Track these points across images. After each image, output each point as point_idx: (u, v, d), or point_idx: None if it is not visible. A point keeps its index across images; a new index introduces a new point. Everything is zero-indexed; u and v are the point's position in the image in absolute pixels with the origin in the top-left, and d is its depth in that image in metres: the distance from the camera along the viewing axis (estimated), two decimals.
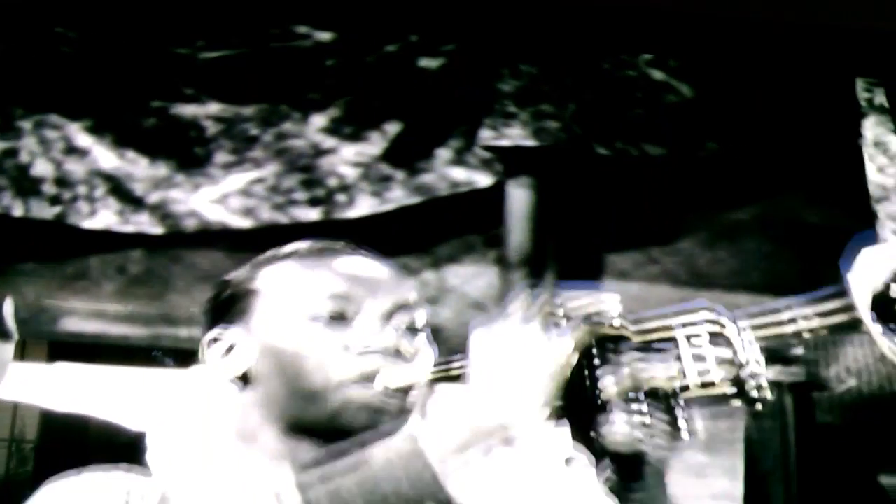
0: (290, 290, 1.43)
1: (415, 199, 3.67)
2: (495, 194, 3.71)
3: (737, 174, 3.74)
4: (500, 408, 1.23)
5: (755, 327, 1.25)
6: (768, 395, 1.23)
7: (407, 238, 3.71)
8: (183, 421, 1.49)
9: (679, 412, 1.27)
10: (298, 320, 1.40)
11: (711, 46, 3.75)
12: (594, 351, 1.28)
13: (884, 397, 3.56)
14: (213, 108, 3.71)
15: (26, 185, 3.57)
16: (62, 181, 3.59)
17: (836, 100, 3.75)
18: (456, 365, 1.35)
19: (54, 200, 3.58)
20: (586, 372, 1.28)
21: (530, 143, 3.70)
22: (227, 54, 3.73)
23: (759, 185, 3.75)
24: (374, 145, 3.70)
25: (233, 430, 1.43)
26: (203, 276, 3.60)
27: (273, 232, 3.58)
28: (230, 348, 1.44)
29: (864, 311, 1.15)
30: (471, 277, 3.71)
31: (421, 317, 1.45)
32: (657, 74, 3.80)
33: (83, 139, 3.63)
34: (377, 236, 3.72)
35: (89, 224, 3.58)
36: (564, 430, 1.31)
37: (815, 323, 1.23)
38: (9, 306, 2.08)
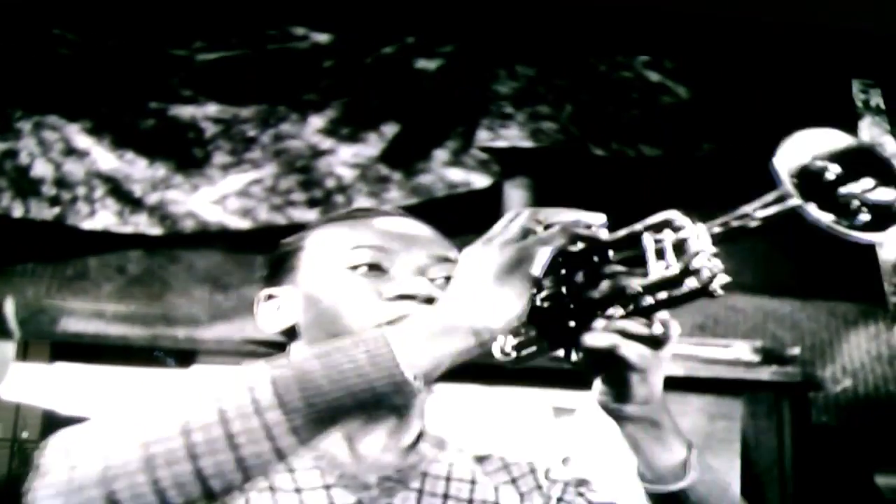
0: (331, 244, 1.51)
1: (412, 200, 3.68)
2: (492, 195, 3.71)
3: (733, 175, 3.75)
4: (468, 308, 1.23)
5: (710, 224, 1.33)
6: (720, 279, 1.28)
7: None
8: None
9: (651, 314, 1.31)
10: (338, 271, 1.48)
11: (707, 47, 3.76)
12: (571, 259, 1.32)
13: (879, 397, 3.57)
14: (212, 109, 3.71)
15: (26, 186, 3.58)
16: (61, 182, 3.60)
17: (832, 101, 3.76)
18: None
19: (54, 201, 3.58)
20: (564, 280, 1.32)
21: (527, 144, 3.70)
22: (225, 56, 3.73)
23: (754, 186, 3.75)
24: (371, 146, 3.71)
25: None
26: (201, 276, 3.61)
27: (271, 233, 3.59)
28: (281, 304, 1.52)
29: (790, 188, 1.22)
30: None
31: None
32: (653, 76, 3.81)
33: (82, 140, 3.64)
34: None
35: (88, 225, 3.58)
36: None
37: (760, 213, 1.31)
38: (10, 306, 2.09)
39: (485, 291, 1.23)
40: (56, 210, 3.58)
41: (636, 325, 1.33)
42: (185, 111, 3.70)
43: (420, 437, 1.53)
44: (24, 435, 3.47)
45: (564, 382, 3.11)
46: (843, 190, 1.23)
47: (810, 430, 3.49)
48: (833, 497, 3.41)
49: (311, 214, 3.63)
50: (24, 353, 3.36)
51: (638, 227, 1.35)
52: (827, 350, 3.57)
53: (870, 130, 3.69)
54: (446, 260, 1.51)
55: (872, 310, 3.59)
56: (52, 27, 3.68)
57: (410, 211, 3.74)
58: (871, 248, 3.51)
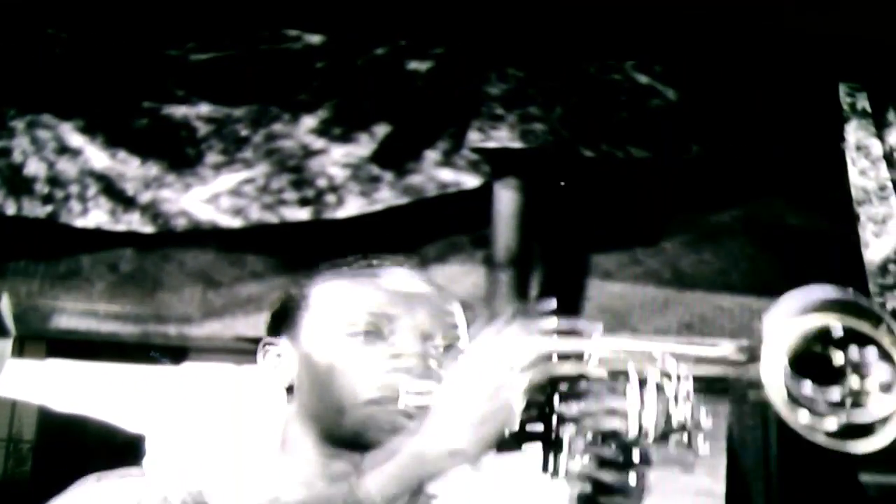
0: (332, 304, 1.49)
1: (403, 200, 3.69)
2: (482, 195, 3.73)
3: (720, 177, 3.77)
4: (449, 436, 1.25)
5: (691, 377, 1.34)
6: (701, 446, 1.32)
7: (395, 238, 3.73)
8: (214, 424, 1.54)
9: (633, 453, 1.33)
10: (336, 335, 1.46)
11: (696, 50, 3.78)
12: (556, 388, 1.32)
13: None
14: (204, 109, 3.72)
15: (19, 185, 3.58)
16: (54, 180, 3.60)
17: (819, 104, 3.78)
18: None
19: (46, 199, 3.59)
20: (547, 408, 1.32)
21: (517, 145, 3.71)
22: (218, 56, 3.74)
23: (742, 188, 3.78)
24: (363, 146, 3.72)
25: (277, 440, 1.48)
26: (193, 274, 3.62)
27: (263, 232, 3.60)
28: (279, 356, 1.51)
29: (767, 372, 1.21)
30: (458, 277, 3.73)
31: (458, 335, 1.49)
32: (642, 78, 3.82)
33: (75, 139, 3.64)
34: (365, 236, 3.76)
35: (81, 223, 3.59)
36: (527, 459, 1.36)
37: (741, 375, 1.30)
38: (5, 303, 2.10)
39: (463, 417, 1.25)
40: (49, 208, 3.58)
41: (611, 476, 1.34)
42: (178, 111, 3.71)
43: None
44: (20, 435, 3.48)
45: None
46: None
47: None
48: (818, 495, 3.43)
49: (302, 213, 3.64)
50: (20, 350, 3.37)
51: (628, 362, 1.34)
52: None
53: (856, 133, 3.72)
54: (448, 325, 1.50)
55: None
56: (45, 27, 3.69)
57: (400, 211, 3.77)
58: (856, 249, 3.54)
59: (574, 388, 1.33)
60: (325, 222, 3.66)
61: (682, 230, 3.79)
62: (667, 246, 3.79)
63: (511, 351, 1.28)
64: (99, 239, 3.60)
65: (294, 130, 3.70)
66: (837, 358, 1.19)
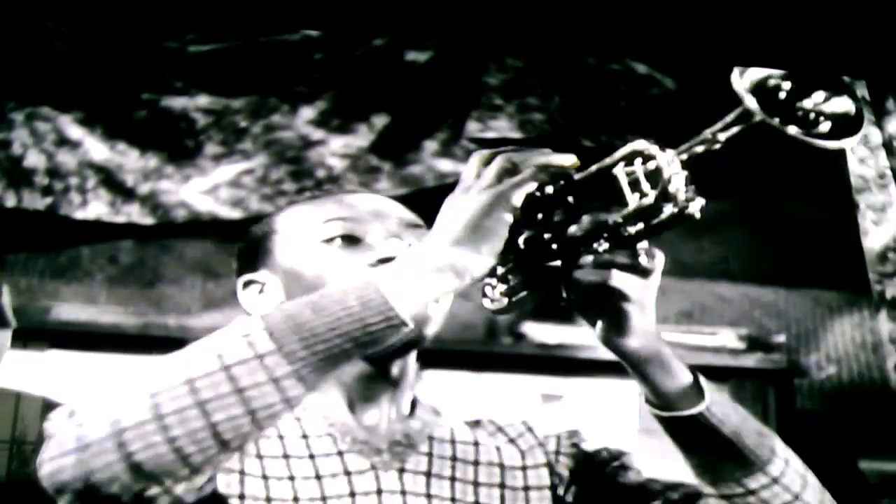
0: (302, 222, 1.52)
1: (402, 191, 3.69)
2: None
3: (720, 166, 3.77)
4: (449, 250, 1.25)
5: (679, 149, 1.35)
6: (697, 202, 1.33)
7: None
8: None
9: (634, 244, 1.34)
10: (315, 246, 1.48)
11: (695, 39, 3.79)
12: (547, 201, 1.33)
13: (863, 384, 3.60)
14: (203, 100, 3.72)
15: (18, 176, 3.59)
16: (54, 172, 3.61)
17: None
18: None
19: (46, 191, 3.60)
20: (544, 222, 1.34)
21: (516, 135, 3.72)
22: (217, 47, 3.75)
23: (741, 177, 3.78)
24: (361, 137, 3.72)
25: None
26: (192, 265, 3.63)
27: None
28: (261, 289, 1.52)
29: (754, 105, 1.26)
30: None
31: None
32: (641, 68, 3.83)
33: (74, 131, 3.65)
34: None
35: (81, 214, 3.60)
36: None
37: (723, 135, 1.36)
38: (6, 295, 2.10)
39: (465, 234, 1.26)
40: (48, 200, 3.59)
41: (623, 257, 1.34)
42: (177, 102, 3.71)
43: (415, 404, 1.54)
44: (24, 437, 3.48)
45: (552, 370, 3.13)
46: (799, 103, 1.27)
47: (795, 416, 3.51)
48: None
49: None
50: (23, 343, 3.37)
51: (608, 160, 1.37)
52: (812, 338, 3.60)
53: None
54: (416, 226, 1.52)
55: (857, 298, 3.62)
56: (44, 19, 3.69)
57: (399, 201, 3.77)
58: (855, 238, 3.54)
59: (564, 197, 1.35)
60: None
61: None
62: (666, 235, 3.78)
63: (499, 168, 1.30)
64: (98, 230, 3.61)
65: (293, 121, 3.71)
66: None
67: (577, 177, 1.35)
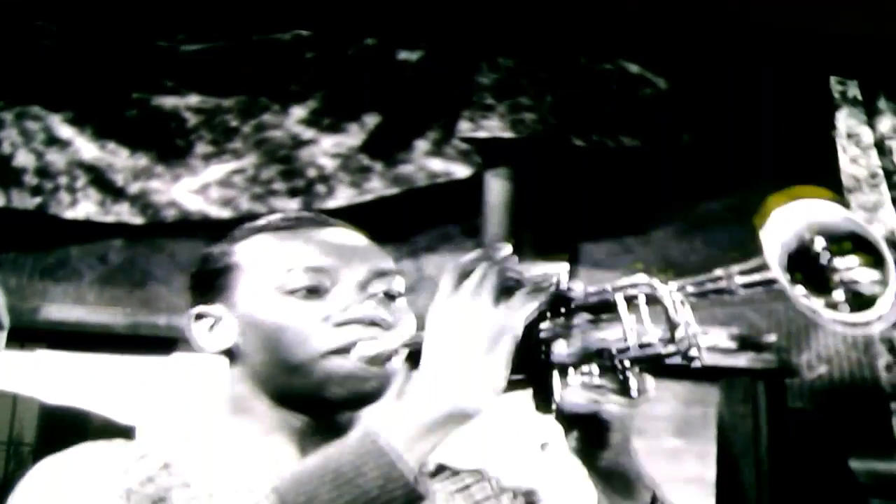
0: (266, 264, 1.44)
1: (393, 190, 3.69)
2: (473, 185, 3.73)
3: (711, 165, 3.77)
4: (454, 391, 1.22)
5: (686, 290, 1.27)
6: (702, 352, 1.25)
7: (385, 228, 3.70)
8: (179, 398, 1.51)
9: (628, 372, 1.30)
10: (276, 295, 1.42)
11: (687, 39, 3.79)
12: (543, 317, 1.30)
13: (854, 383, 3.60)
14: (194, 99, 3.72)
15: (8, 176, 3.58)
16: (43, 172, 3.60)
17: (810, 92, 3.78)
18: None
19: (36, 191, 3.59)
20: (537, 338, 1.30)
21: (508, 134, 3.72)
22: (208, 47, 3.74)
23: (732, 177, 3.78)
24: (352, 137, 3.72)
25: (226, 403, 1.45)
26: (182, 265, 3.62)
27: (252, 222, 3.60)
28: (214, 324, 1.46)
29: (776, 269, 1.17)
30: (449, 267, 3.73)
31: (399, 283, 1.45)
32: (632, 67, 3.83)
33: (64, 130, 3.64)
34: (356, 226, 3.76)
35: (70, 214, 3.59)
36: (538, 414, 1.33)
37: (738, 281, 1.24)
38: (0, 296, 2.09)
39: (469, 376, 1.22)
40: (38, 199, 3.58)
41: (613, 383, 1.31)
42: (168, 101, 3.71)
43: None
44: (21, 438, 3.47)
45: None
46: (826, 264, 1.19)
47: (786, 415, 3.51)
48: (808, 481, 3.44)
49: (292, 204, 3.64)
50: (20, 343, 3.35)
51: (610, 288, 1.30)
52: (803, 337, 3.60)
53: (846, 121, 3.72)
54: (385, 273, 1.45)
55: None
56: (35, 18, 3.69)
57: (391, 201, 3.77)
58: None
59: (561, 315, 1.31)
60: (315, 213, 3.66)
61: (672, 219, 3.80)
62: (657, 234, 3.79)
63: (495, 287, 1.25)
64: (88, 230, 3.60)
65: (284, 121, 3.71)
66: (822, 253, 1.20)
67: (574, 303, 1.30)
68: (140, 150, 3.66)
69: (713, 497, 3.34)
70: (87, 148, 3.64)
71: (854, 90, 3.77)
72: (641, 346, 1.26)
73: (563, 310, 1.30)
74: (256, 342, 1.42)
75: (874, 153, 3.69)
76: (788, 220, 1.20)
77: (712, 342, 3.31)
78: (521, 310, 1.24)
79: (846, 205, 3.59)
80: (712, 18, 3.72)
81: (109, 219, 3.60)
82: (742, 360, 3.28)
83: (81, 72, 3.67)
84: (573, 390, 1.31)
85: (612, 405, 1.31)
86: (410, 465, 1.20)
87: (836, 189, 3.64)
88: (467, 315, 1.24)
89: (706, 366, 3.51)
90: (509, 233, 3.69)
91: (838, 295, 1.18)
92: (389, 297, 1.43)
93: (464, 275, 1.27)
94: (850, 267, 1.19)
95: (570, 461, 1.41)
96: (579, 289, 1.31)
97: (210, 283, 1.48)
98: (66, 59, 3.67)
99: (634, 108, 3.79)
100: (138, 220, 3.59)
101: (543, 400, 1.32)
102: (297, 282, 1.41)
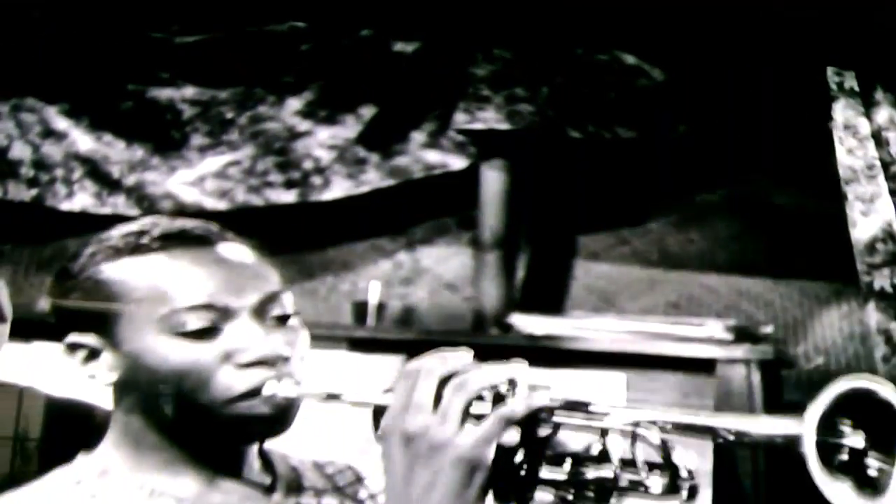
0: (149, 300, 1.31)
1: (389, 182, 3.69)
2: (469, 177, 3.73)
3: (707, 157, 3.77)
4: None
5: (674, 428, 1.19)
6: (699, 496, 1.19)
7: (381, 220, 3.73)
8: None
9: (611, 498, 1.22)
10: (164, 336, 1.30)
11: (683, 30, 3.78)
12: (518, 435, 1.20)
13: (851, 375, 3.60)
14: (189, 91, 3.72)
15: (4, 168, 3.59)
16: (39, 164, 3.61)
17: (807, 82, 3.78)
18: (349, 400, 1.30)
19: (32, 183, 3.60)
20: (511, 463, 1.21)
21: (503, 126, 3.72)
22: (203, 38, 3.74)
23: (729, 168, 3.78)
24: (348, 128, 3.72)
25: (117, 436, 1.36)
26: None
27: (248, 214, 3.61)
28: (90, 356, 1.34)
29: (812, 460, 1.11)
30: (444, 259, 3.74)
31: (289, 301, 1.36)
32: (629, 58, 3.82)
33: (60, 122, 3.65)
34: (352, 218, 3.76)
35: (67, 206, 3.60)
36: None
37: (757, 434, 1.19)
38: (3, 288, 2.09)
39: None
40: (34, 191, 3.59)
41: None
42: (163, 93, 3.71)
43: (265, 457, 1.44)
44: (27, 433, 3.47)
45: (540, 360, 3.12)
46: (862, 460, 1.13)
47: (782, 407, 3.52)
48: (804, 474, 3.44)
49: (288, 196, 3.65)
50: (15, 336, 3.34)
51: (596, 421, 1.21)
52: (800, 329, 3.60)
53: (843, 112, 3.71)
54: (277, 294, 1.35)
55: (845, 289, 3.62)
56: (30, 10, 3.68)
57: (387, 193, 3.77)
58: (843, 228, 3.54)
59: (537, 430, 1.22)
60: (311, 204, 3.66)
61: (668, 210, 3.79)
62: (653, 226, 3.79)
63: (461, 411, 1.17)
64: (84, 222, 3.60)
65: (279, 113, 3.71)
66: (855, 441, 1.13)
67: (545, 416, 1.20)
68: (136, 141, 3.66)
69: (710, 489, 3.33)
70: (82, 140, 3.64)
71: (851, 81, 3.76)
72: (632, 484, 1.19)
73: (533, 426, 1.21)
74: (148, 383, 1.31)
75: (871, 144, 3.68)
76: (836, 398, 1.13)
77: (709, 334, 3.31)
78: (494, 438, 1.17)
79: (843, 196, 3.59)
80: (709, 9, 3.71)
81: (106, 211, 3.61)
82: (739, 352, 3.28)
83: (77, 64, 3.67)
84: None
85: None
86: None
87: (833, 180, 3.64)
88: (436, 444, 1.16)
89: (702, 358, 3.50)
90: (505, 225, 3.69)
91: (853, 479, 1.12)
92: (282, 319, 1.35)
93: (424, 385, 1.19)
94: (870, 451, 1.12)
95: None
96: (545, 398, 1.20)
97: (79, 309, 1.34)
98: (62, 51, 3.67)
99: (631, 99, 3.79)
100: (134, 212, 3.60)
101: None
102: (187, 324, 1.29)
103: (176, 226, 1.38)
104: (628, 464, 1.19)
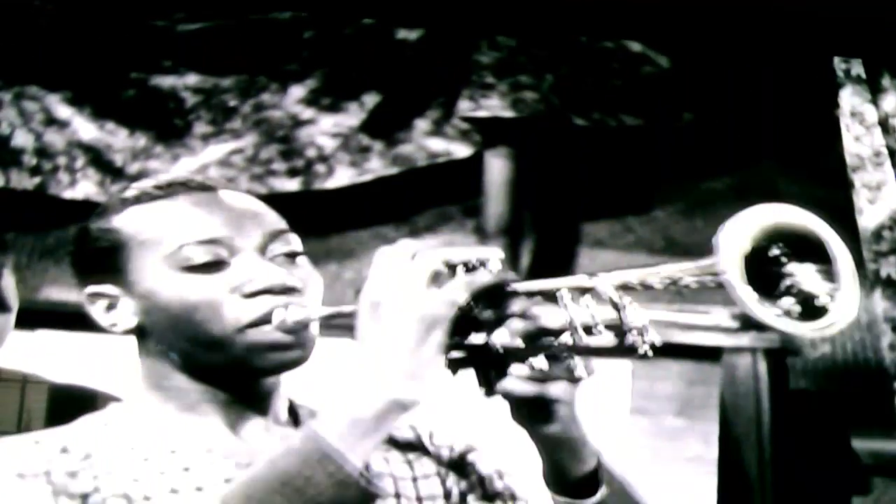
0: (154, 240, 1.37)
1: (393, 170, 3.69)
2: (473, 165, 3.72)
3: (713, 144, 3.76)
4: (388, 385, 1.21)
5: (628, 284, 1.23)
6: (650, 346, 1.21)
7: (385, 208, 3.73)
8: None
9: (572, 357, 1.27)
10: (174, 272, 1.36)
11: (688, 18, 3.77)
12: (481, 303, 1.27)
13: (857, 363, 3.59)
14: (192, 79, 3.71)
15: (6, 156, 3.59)
16: (42, 152, 3.61)
17: (813, 69, 3.77)
18: (347, 312, 1.32)
19: (34, 171, 3.60)
20: (477, 324, 1.27)
21: (508, 114, 3.71)
22: (206, 26, 3.73)
23: (734, 155, 3.77)
24: (352, 116, 3.71)
25: (142, 381, 1.41)
26: None
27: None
28: (111, 305, 1.39)
29: (732, 273, 1.13)
30: (448, 247, 3.73)
31: (296, 241, 1.41)
32: (634, 46, 3.81)
33: (63, 110, 3.64)
34: (356, 206, 3.75)
35: (69, 194, 3.60)
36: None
37: (689, 279, 1.21)
38: (7, 276, 2.09)
39: (402, 362, 1.21)
40: (37, 180, 3.59)
41: (558, 366, 1.28)
42: (166, 81, 3.71)
43: (294, 410, 1.46)
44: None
45: None
46: (780, 269, 1.17)
47: (788, 395, 3.51)
48: (810, 461, 3.44)
49: (292, 184, 3.64)
50: (30, 326, 3.35)
51: (553, 285, 1.26)
52: None
53: (850, 99, 3.70)
54: (281, 232, 1.40)
55: None
56: None
57: (390, 181, 3.76)
58: (850, 216, 3.53)
59: (500, 301, 1.27)
60: (315, 193, 3.66)
61: (674, 198, 3.79)
62: (659, 214, 3.78)
63: (425, 273, 1.23)
64: (87, 210, 3.58)
65: (282, 101, 3.70)
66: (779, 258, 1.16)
67: (511, 289, 1.26)
68: (139, 130, 3.66)
69: (715, 477, 3.33)
70: (85, 128, 3.64)
71: (858, 68, 3.74)
72: (586, 329, 1.23)
73: (500, 297, 1.26)
74: (164, 322, 1.36)
75: (878, 132, 3.67)
76: (748, 223, 1.18)
77: (714, 322, 3.31)
78: (453, 297, 1.22)
79: (850, 184, 3.58)
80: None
81: None
82: (744, 340, 3.27)
83: (79, 52, 3.67)
84: (515, 377, 1.27)
85: (556, 388, 1.28)
86: (357, 464, 1.20)
87: (839, 168, 3.63)
88: (397, 304, 1.22)
89: (708, 345, 3.50)
90: (509, 213, 3.69)
91: (788, 302, 1.15)
92: (290, 256, 1.39)
93: (393, 260, 1.25)
94: (804, 274, 1.17)
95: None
96: (513, 276, 1.27)
97: (95, 262, 1.41)
98: (64, 39, 3.67)
99: (636, 86, 3.78)
100: None
101: (485, 385, 1.30)
102: (194, 258, 1.35)
103: (180, 176, 1.46)
104: (587, 328, 1.23)
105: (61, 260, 3.59)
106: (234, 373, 1.37)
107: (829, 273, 1.16)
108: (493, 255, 1.27)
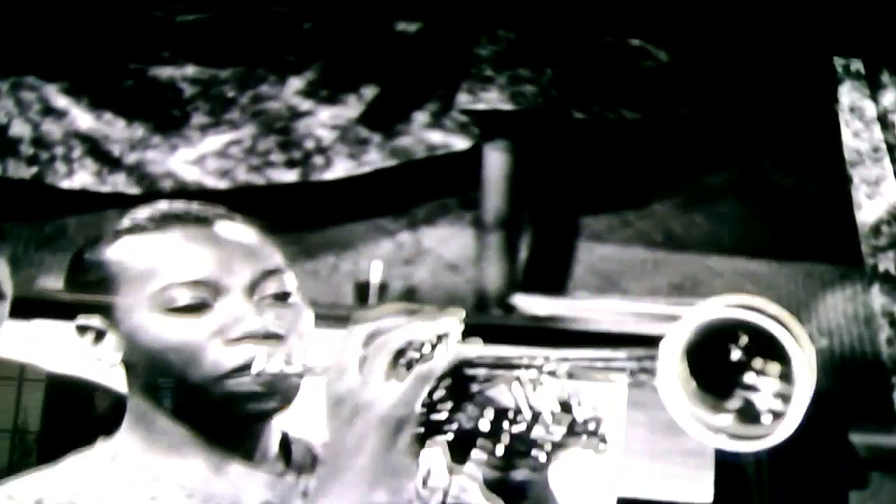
0: (144, 278, 1.33)
1: (391, 162, 3.69)
2: (472, 157, 3.72)
3: (712, 138, 3.76)
4: (360, 496, 1.17)
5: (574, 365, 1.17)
6: (603, 443, 1.17)
7: (383, 200, 3.73)
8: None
9: (529, 438, 1.21)
10: (156, 313, 1.32)
11: (688, 12, 3.77)
12: (441, 382, 1.21)
13: (855, 357, 3.60)
14: (190, 70, 3.71)
15: (3, 146, 3.59)
16: (39, 142, 3.61)
17: (813, 65, 3.77)
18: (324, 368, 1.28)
19: (32, 160, 3.60)
20: (433, 409, 1.21)
21: (507, 107, 3.71)
22: (204, 17, 3.73)
23: (734, 150, 3.77)
24: (350, 108, 3.71)
25: (130, 416, 1.38)
26: None
27: (249, 193, 3.61)
28: (97, 338, 1.36)
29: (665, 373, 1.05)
30: (447, 239, 3.73)
31: (290, 280, 1.36)
32: (634, 40, 3.81)
33: (60, 100, 3.65)
34: (354, 198, 3.75)
35: (67, 184, 3.61)
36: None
37: (629, 365, 1.14)
38: (4, 266, 2.08)
39: (372, 471, 1.17)
40: (34, 169, 3.60)
41: (520, 455, 1.23)
42: (164, 72, 3.70)
43: (287, 445, 1.43)
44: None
45: (542, 341, 3.11)
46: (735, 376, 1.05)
47: None
48: (809, 455, 3.44)
49: (290, 175, 3.64)
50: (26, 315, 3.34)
51: (507, 364, 1.20)
52: (804, 311, 3.60)
53: (849, 95, 3.70)
54: (272, 272, 1.35)
55: (849, 271, 3.62)
56: None
57: (389, 173, 3.76)
58: (849, 211, 3.54)
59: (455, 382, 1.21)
60: (313, 184, 3.66)
61: (672, 192, 3.79)
62: (657, 208, 3.79)
63: (383, 368, 1.18)
64: (84, 200, 3.60)
65: (281, 92, 3.70)
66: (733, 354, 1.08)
67: (469, 371, 1.20)
68: (136, 120, 3.66)
69: (712, 470, 3.33)
70: (83, 118, 3.64)
71: (857, 64, 3.75)
72: (536, 422, 1.18)
73: (458, 378, 1.21)
74: (145, 362, 1.33)
75: (877, 127, 3.67)
76: (701, 319, 1.05)
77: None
78: (415, 396, 1.17)
79: (849, 179, 3.58)
80: None
81: (106, 189, 3.61)
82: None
83: (77, 42, 3.66)
84: (475, 462, 1.22)
85: (520, 473, 1.24)
86: None
87: (838, 163, 3.63)
88: (357, 413, 1.18)
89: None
90: (508, 205, 3.69)
91: (733, 403, 1.05)
92: (281, 297, 1.34)
93: (353, 346, 1.21)
94: (761, 383, 1.04)
95: None
96: (473, 352, 1.20)
97: (85, 293, 1.37)
98: (62, 29, 3.66)
99: (636, 80, 3.78)
100: (135, 190, 3.60)
101: (453, 461, 1.24)
102: (178, 299, 1.31)
103: (176, 207, 1.40)
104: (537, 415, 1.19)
105: (58, 249, 3.59)
106: (213, 418, 1.34)
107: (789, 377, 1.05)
108: (452, 326, 1.20)
